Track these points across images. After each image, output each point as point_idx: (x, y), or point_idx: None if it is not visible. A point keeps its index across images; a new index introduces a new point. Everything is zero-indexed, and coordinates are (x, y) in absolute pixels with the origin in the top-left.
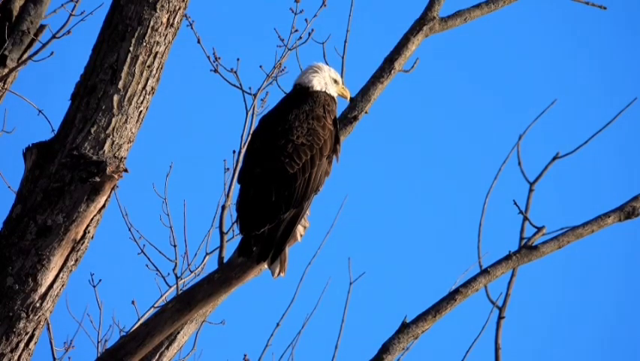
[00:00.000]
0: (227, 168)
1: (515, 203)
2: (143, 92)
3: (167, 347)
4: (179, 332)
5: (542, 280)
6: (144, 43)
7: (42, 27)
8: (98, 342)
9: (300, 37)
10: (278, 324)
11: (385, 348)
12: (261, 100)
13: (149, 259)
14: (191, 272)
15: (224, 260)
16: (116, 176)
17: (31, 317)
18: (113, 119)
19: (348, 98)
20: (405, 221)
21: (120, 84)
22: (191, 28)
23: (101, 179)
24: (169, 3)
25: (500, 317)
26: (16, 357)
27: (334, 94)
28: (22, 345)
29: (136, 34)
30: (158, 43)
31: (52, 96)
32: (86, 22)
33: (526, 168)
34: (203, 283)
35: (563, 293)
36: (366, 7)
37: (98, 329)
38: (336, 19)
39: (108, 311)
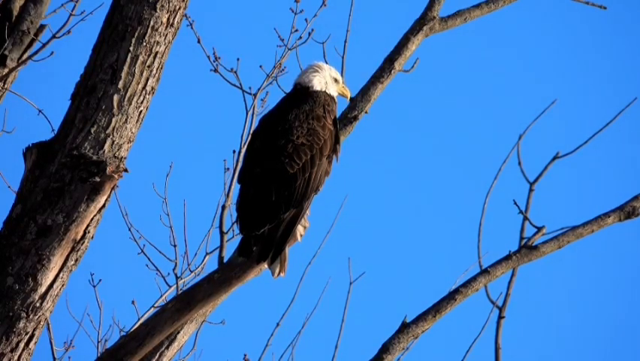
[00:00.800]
0: (227, 168)
1: (515, 203)
2: (143, 92)
3: (167, 347)
4: (179, 332)
5: (542, 280)
6: (144, 43)
7: (42, 27)
8: (98, 342)
9: (300, 37)
10: (278, 324)
11: (385, 348)
12: (261, 100)
13: (149, 259)
14: (191, 272)
15: (224, 260)
16: (116, 176)
17: (31, 316)
18: (113, 119)
19: (348, 98)
20: (405, 221)
21: (120, 84)
22: (191, 28)
23: (101, 179)
24: (169, 3)
25: (500, 317)
26: (16, 357)
27: (334, 93)
28: (22, 345)
29: (136, 34)
30: (158, 43)
31: (52, 96)
32: (86, 22)
33: (526, 168)
34: (203, 283)
35: (562, 293)
36: (366, 7)
37: (98, 329)
38: (336, 19)
39: (108, 311)
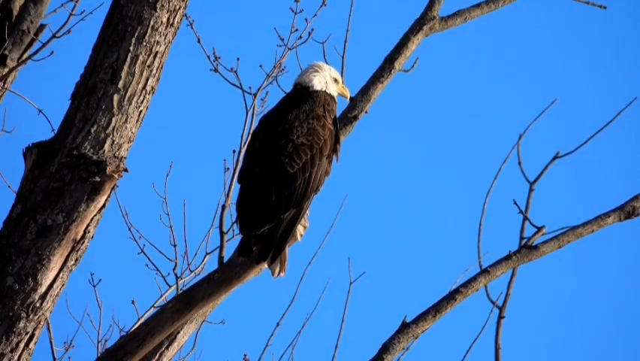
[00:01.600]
0: (227, 168)
1: (515, 203)
2: (143, 91)
3: (167, 347)
4: (179, 332)
5: (542, 280)
6: (144, 43)
7: (42, 27)
8: (98, 342)
9: (300, 37)
10: (278, 324)
11: (385, 348)
12: (261, 100)
13: (149, 258)
14: (191, 272)
15: (224, 260)
16: (116, 176)
17: (31, 316)
18: (113, 119)
19: (348, 98)
20: (405, 221)
21: (120, 84)
22: (191, 28)
23: (101, 179)
24: (169, 3)
25: (500, 317)
26: (16, 357)
27: (334, 93)
28: (22, 345)
29: (136, 34)
30: (158, 42)
31: (52, 96)
32: (86, 22)
33: (526, 168)
34: (203, 283)
35: (562, 293)
36: (366, 7)
37: (98, 328)
38: (336, 19)
39: (108, 311)
